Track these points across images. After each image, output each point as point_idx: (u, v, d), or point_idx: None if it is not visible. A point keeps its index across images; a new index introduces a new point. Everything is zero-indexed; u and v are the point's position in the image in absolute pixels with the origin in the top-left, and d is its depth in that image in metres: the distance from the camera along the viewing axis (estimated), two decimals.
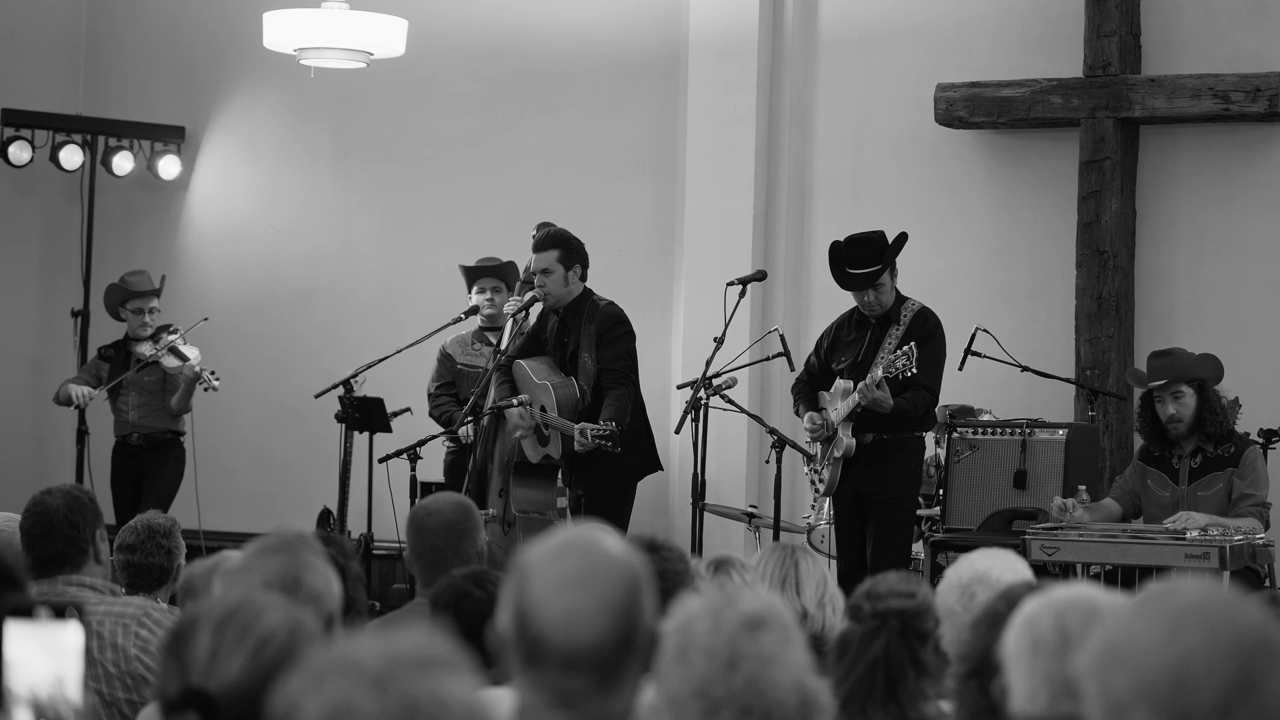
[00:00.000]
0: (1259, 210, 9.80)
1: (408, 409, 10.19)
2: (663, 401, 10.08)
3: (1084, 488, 8.29)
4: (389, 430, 9.94)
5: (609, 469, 8.86)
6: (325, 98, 11.65)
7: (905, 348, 8.40)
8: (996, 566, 4.31)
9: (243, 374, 11.51)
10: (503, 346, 9.48)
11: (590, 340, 9.05)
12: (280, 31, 10.43)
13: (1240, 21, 9.82)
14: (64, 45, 12.47)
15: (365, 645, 2.35)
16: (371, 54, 10.58)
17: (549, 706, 2.77)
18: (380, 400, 9.85)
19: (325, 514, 10.26)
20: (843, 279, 8.73)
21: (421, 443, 9.47)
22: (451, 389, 9.97)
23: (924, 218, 9.96)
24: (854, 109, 10.59)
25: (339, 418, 9.75)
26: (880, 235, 8.72)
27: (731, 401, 8.92)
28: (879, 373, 8.40)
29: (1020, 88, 9.98)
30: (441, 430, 9.75)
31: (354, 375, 9.70)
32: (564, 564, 2.80)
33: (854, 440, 8.59)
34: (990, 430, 8.94)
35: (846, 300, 8.98)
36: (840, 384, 8.68)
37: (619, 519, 8.70)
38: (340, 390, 9.70)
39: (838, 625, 4.77)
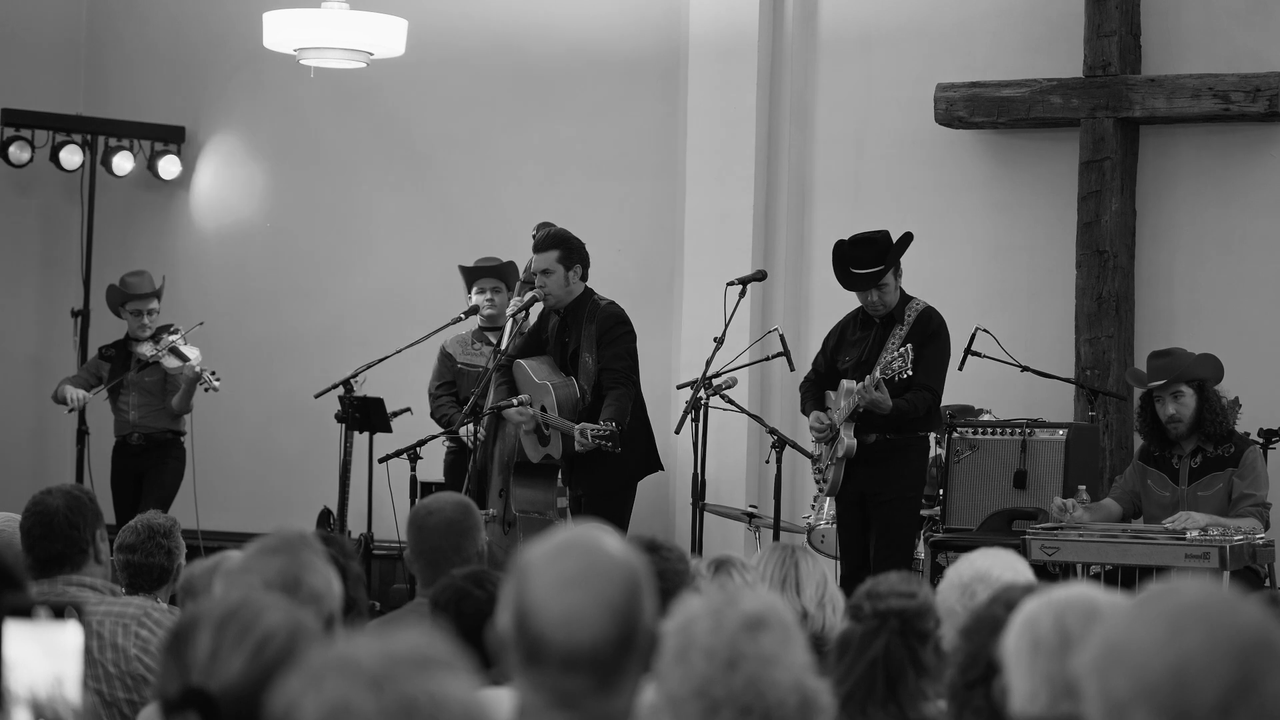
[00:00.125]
0: (1259, 210, 9.80)
1: (408, 409, 10.19)
2: (663, 401, 10.07)
3: (1084, 488, 8.29)
4: (389, 430, 9.94)
5: (609, 469, 8.86)
6: (325, 98, 11.64)
7: (902, 349, 8.38)
8: (997, 566, 4.32)
9: (243, 374, 11.50)
10: (502, 346, 9.48)
11: (591, 340, 9.05)
12: (280, 31, 10.43)
13: (1240, 21, 9.81)
14: (64, 45, 12.47)
15: (363, 645, 2.35)
16: (371, 54, 10.58)
17: (549, 706, 2.77)
18: (380, 400, 9.85)
19: (325, 514, 10.26)
20: (845, 278, 8.72)
21: (421, 443, 9.47)
22: (452, 388, 9.97)
23: (924, 218, 9.95)
24: (854, 109, 10.59)
25: (339, 418, 9.75)
26: (885, 235, 8.71)
27: (731, 401, 8.92)
28: (877, 373, 8.40)
29: (1020, 88, 9.98)
30: (441, 430, 9.76)
31: (354, 375, 9.70)
32: (564, 564, 2.80)
33: (855, 441, 8.57)
34: (990, 430, 8.94)
35: (846, 300, 8.97)
36: (845, 384, 8.67)
37: (619, 519, 8.70)
38: (340, 390, 9.70)
39: (838, 625, 4.77)
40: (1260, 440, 8.66)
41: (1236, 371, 8.65)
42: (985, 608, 3.55)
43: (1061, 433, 8.81)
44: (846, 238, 8.81)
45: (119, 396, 10.73)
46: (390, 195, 11.72)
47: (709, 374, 8.84)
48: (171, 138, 12.15)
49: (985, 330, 9.15)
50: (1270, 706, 2.33)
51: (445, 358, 10.06)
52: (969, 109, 10.09)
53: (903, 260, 8.73)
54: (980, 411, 9.49)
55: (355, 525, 10.04)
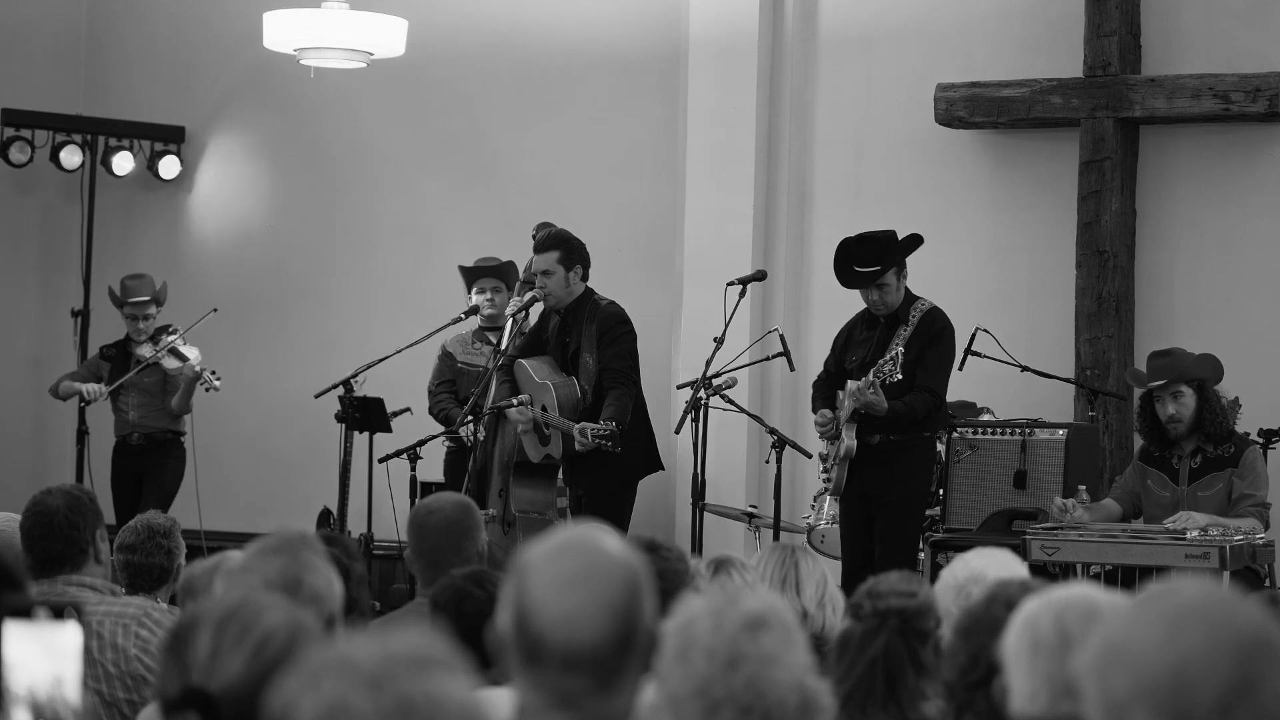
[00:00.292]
0: (1259, 210, 9.80)
1: (408, 409, 10.19)
2: (663, 401, 10.07)
3: (1084, 488, 8.29)
4: (389, 430, 9.94)
5: (609, 469, 8.86)
6: (325, 98, 11.64)
7: (893, 353, 8.35)
8: (992, 566, 4.31)
9: (243, 374, 11.51)
10: (502, 346, 9.49)
11: (591, 340, 9.05)
12: (280, 31, 10.43)
13: (1240, 21, 9.81)
14: (64, 45, 12.47)
15: (362, 645, 2.35)
16: (371, 54, 10.59)
17: (549, 706, 2.77)
18: (380, 400, 9.85)
19: (325, 514, 10.27)
20: (844, 276, 8.69)
21: (421, 442, 9.47)
22: (452, 387, 9.98)
23: (924, 218, 9.94)
24: (854, 109, 10.59)
25: (339, 418, 9.75)
26: (889, 235, 8.69)
27: (731, 401, 8.92)
28: (871, 375, 8.37)
29: (1020, 88, 9.98)
30: (442, 430, 9.76)
31: (354, 375, 9.71)
32: (564, 564, 2.80)
33: (855, 441, 8.55)
34: (990, 430, 8.94)
35: (845, 300, 8.97)
36: (850, 384, 8.66)
37: (619, 519, 8.70)
38: (340, 390, 9.70)
39: (838, 625, 4.77)
40: (1260, 440, 8.66)
41: (1236, 371, 8.65)
42: (983, 608, 3.54)
43: (1061, 433, 8.81)
44: (853, 236, 8.78)
45: (119, 397, 10.73)
46: (390, 195, 11.72)
47: (709, 374, 8.84)
48: (171, 138, 12.15)
49: (985, 330, 9.15)
50: (1270, 706, 2.33)
51: (446, 357, 10.06)
52: (969, 109, 10.08)
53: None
54: (980, 410, 9.49)
55: (355, 525, 10.04)
